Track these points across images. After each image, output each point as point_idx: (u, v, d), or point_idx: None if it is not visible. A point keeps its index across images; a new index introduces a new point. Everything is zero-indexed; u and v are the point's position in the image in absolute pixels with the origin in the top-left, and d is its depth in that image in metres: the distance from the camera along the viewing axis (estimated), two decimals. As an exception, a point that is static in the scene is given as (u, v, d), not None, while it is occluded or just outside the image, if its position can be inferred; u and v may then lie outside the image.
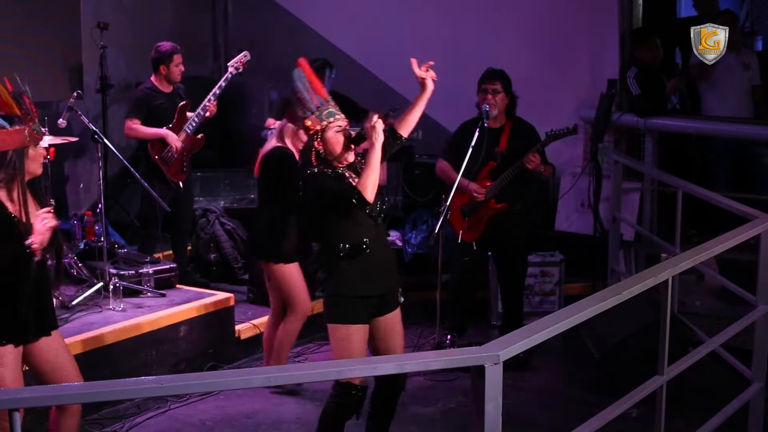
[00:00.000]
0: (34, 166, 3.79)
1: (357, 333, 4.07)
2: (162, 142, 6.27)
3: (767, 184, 6.75)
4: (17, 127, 3.73)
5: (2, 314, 3.70)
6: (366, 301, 4.07)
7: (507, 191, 5.68)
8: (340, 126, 4.02)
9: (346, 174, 4.06)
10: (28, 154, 3.75)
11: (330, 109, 4.01)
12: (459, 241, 5.79)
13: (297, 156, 4.79)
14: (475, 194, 5.68)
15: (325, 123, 3.99)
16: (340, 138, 4.02)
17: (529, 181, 5.74)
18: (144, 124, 6.28)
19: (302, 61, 4.07)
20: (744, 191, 6.46)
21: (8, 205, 3.71)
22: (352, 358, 4.00)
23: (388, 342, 4.20)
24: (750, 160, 6.96)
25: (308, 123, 4.01)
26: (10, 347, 3.70)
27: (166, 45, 6.36)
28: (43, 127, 5.94)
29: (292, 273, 5.13)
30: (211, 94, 6.33)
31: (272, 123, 6.81)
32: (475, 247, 5.78)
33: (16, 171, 3.71)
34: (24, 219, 3.72)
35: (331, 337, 4.16)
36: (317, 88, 4.03)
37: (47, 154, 3.85)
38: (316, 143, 4.02)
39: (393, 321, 4.20)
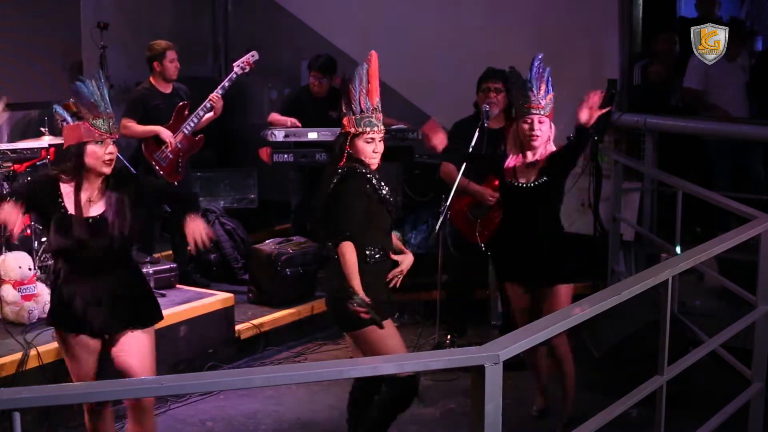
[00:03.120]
0: (93, 162, 3.80)
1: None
2: (156, 142, 6.24)
3: (766, 185, 6.75)
4: (76, 122, 3.79)
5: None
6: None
7: None
8: (372, 138, 4.01)
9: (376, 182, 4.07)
10: (86, 151, 3.78)
11: (371, 119, 4.00)
12: (465, 242, 5.77)
13: None
14: (489, 198, 5.56)
15: (360, 130, 4.00)
16: (369, 147, 4.02)
17: None
18: (141, 124, 6.25)
19: (374, 57, 4.05)
20: (744, 191, 6.45)
21: (66, 199, 3.80)
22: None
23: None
24: (750, 160, 6.96)
25: (345, 121, 4.03)
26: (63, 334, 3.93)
27: (159, 42, 6.33)
28: (43, 127, 5.99)
29: None
30: (213, 94, 6.31)
31: (276, 118, 6.80)
32: (483, 248, 5.73)
33: (76, 166, 3.79)
34: (75, 212, 3.79)
35: (361, 344, 4.12)
36: (373, 90, 4.01)
37: (112, 153, 3.83)
38: (347, 145, 4.02)
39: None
